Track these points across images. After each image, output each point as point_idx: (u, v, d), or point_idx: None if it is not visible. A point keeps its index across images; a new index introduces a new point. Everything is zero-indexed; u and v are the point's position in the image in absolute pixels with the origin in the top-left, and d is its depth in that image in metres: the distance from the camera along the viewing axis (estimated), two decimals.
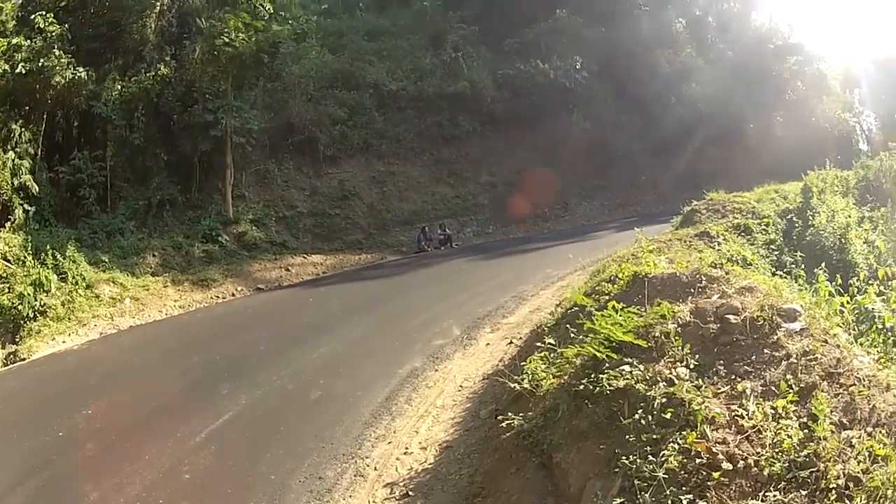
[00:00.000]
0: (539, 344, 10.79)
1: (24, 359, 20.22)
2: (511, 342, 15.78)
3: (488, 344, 16.56)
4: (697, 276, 8.91)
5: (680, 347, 7.09)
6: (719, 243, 17.09)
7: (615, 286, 10.44)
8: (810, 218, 20.19)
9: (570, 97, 47.65)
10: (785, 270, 16.63)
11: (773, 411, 5.95)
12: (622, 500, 5.59)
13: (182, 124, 32.95)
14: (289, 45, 38.24)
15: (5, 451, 12.44)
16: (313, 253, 33.28)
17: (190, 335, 21.84)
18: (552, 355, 9.72)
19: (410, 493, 9.47)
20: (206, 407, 13.49)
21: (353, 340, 18.24)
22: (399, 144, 42.31)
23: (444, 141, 43.92)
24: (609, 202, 47.48)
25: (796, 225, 20.26)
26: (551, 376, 8.89)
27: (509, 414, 8.76)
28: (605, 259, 17.34)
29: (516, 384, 9.65)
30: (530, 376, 9.50)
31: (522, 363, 10.65)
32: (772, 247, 18.98)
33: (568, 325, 10.49)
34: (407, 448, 11.00)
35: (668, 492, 5.36)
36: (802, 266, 16.50)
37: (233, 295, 27.17)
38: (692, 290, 8.59)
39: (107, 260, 26.24)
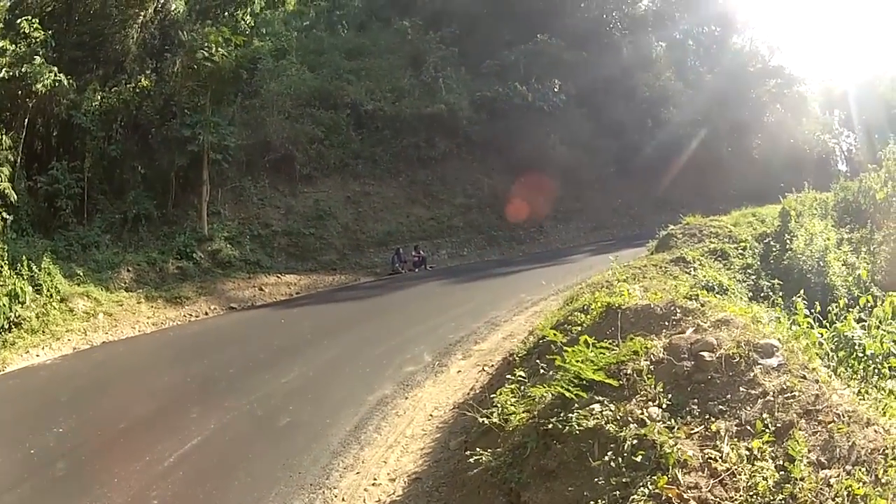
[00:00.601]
0: (510, 375, 10.73)
1: None
2: (483, 370, 15.67)
3: (459, 371, 16.50)
4: (672, 307, 8.88)
5: (652, 386, 7.02)
6: (695, 269, 17.00)
7: (588, 317, 10.49)
8: (788, 241, 20.27)
9: (548, 120, 47.96)
10: (762, 295, 16.78)
11: (748, 452, 5.84)
12: None
13: (160, 138, 33.09)
14: (268, 62, 38.44)
15: None
16: (287, 272, 33.23)
17: (162, 354, 21.77)
18: (522, 388, 9.67)
19: None
20: (175, 430, 13.43)
21: (324, 364, 18.18)
22: (375, 165, 42.28)
23: (420, 162, 43.96)
24: (585, 225, 47.87)
25: (773, 249, 20.28)
26: (521, 411, 8.68)
27: (478, 449, 8.51)
28: (579, 285, 17.53)
29: (485, 418, 9.36)
30: (500, 409, 9.30)
31: (493, 395, 10.58)
32: (749, 271, 18.93)
33: (538, 360, 10.48)
34: (375, 479, 10.89)
35: None
36: (780, 292, 16.60)
37: (206, 313, 27.09)
38: (666, 323, 8.56)
39: (81, 273, 26.10)
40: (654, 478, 5.68)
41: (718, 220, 22.63)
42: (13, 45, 26.86)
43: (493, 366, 15.48)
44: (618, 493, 5.77)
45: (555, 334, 9.98)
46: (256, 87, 37.73)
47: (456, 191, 44.40)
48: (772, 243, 20.59)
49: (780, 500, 5.28)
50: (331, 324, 24.27)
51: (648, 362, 7.39)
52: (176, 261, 29.92)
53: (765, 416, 6.23)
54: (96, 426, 14.13)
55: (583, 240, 45.32)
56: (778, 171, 47.36)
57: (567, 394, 7.40)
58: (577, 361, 7.71)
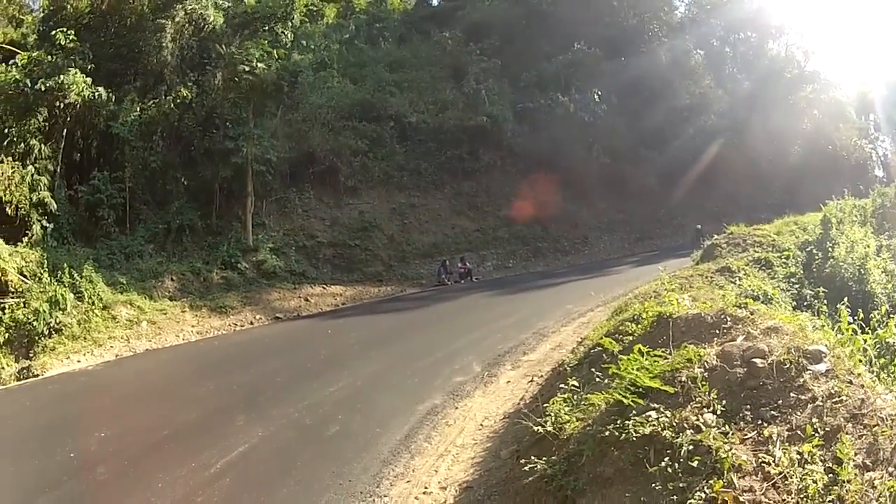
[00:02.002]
0: (562, 385, 10.40)
1: (36, 375, 19.70)
2: (532, 380, 15.28)
3: (509, 381, 16.02)
4: (722, 316, 8.69)
5: (707, 393, 6.88)
6: (740, 278, 16.67)
7: (639, 326, 10.32)
8: (830, 249, 19.82)
9: (590, 131, 47.30)
10: (805, 304, 16.42)
11: (798, 456, 5.76)
12: None
13: (202, 149, 32.56)
14: (309, 74, 38.26)
15: (15, 468, 12.06)
16: (332, 283, 32.59)
17: (207, 362, 21.25)
18: (575, 397, 9.32)
19: None
20: (221, 437, 12.93)
21: (372, 375, 17.57)
22: (420, 177, 41.75)
23: (464, 174, 43.38)
24: (628, 236, 46.93)
25: (816, 257, 19.80)
26: (575, 419, 8.49)
27: (532, 457, 8.23)
28: (627, 296, 17.32)
29: (539, 426, 9.09)
30: (553, 418, 8.98)
31: (544, 404, 10.25)
32: (792, 280, 18.48)
33: (590, 370, 10.24)
34: (426, 487, 10.49)
35: None
36: (824, 300, 16.13)
37: (251, 323, 26.60)
38: (717, 332, 8.38)
39: (124, 282, 25.73)
40: (710, 482, 5.64)
41: (762, 229, 22.25)
42: (48, 56, 26.85)
43: (542, 376, 15.09)
44: (675, 497, 5.72)
45: (610, 342, 10.01)
46: (298, 99, 37.51)
47: (500, 202, 43.62)
48: (814, 251, 20.19)
49: (829, 501, 5.31)
50: (378, 335, 23.71)
51: (702, 370, 7.26)
52: (220, 271, 29.53)
53: (814, 420, 6.18)
54: (139, 432, 13.63)
55: (626, 251, 44.55)
56: (816, 178, 46.51)
57: (625, 400, 7.29)
58: (633, 369, 7.64)
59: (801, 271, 19.15)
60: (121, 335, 22.97)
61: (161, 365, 21.12)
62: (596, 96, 47.95)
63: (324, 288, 31.79)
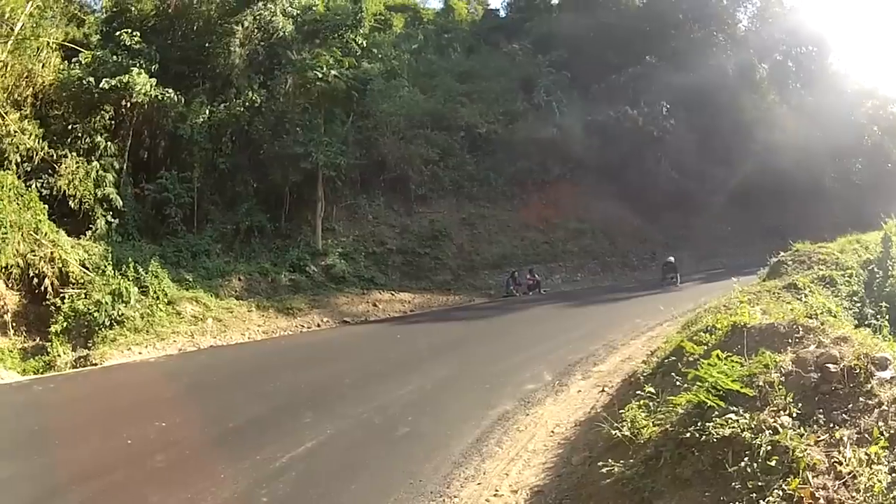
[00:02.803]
0: (637, 392, 10.22)
1: (94, 364, 19.60)
2: (603, 390, 14.64)
3: (580, 391, 15.41)
4: (794, 326, 8.82)
5: (783, 396, 6.98)
6: (805, 295, 16.34)
7: (713, 336, 10.28)
8: (890, 268, 19.46)
9: (658, 145, 46.28)
10: (866, 322, 15.68)
11: (866, 457, 5.84)
12: None
13: (272, 154, 32.26)
14: (379, 83, 37.84)
15: (67, 452, 11.57)
16: (401, 290, 31.95)
17: (273, 360, 20.95)
18: (652, 404, 9.29)
19: None
20: (287, 433, 12.45)
21: (442, 380, 17.01)
22: (490, 187, 41.17)
23: (534, 186, 42.69)
24: (694, 253, 45.43)
25: (877, 275, 19.34)
26: (652, 424, 8.49)
27: (609, 460, 8.20)
28: (697, 310, 17.33)
29: (616, 430, 8.99)
30: (629, 423, 8.92)
31: (619, 410, 9.93)
32: (854, 298, 17.79)
33: (672, 373, 10.00)
34: (497, 490, 9.92)
35: None
36: (886, 317, 16.14)
37: (318, 325, 26.14)
38: (789, 341, 8.52)
39: (191, 279, 25.65)
40: (787, 480, 5.73)
41: (826, 247, 21.87)
42: (113, 56, 26.92)
43: (613, 387, 14.59)
44: (754, 495, 5.74)
45: (691, 346, 10.13)
46: (368, 107, 37.21)
47: (569, 215, 42.97)
48: (875, 270, 19.82)
49: (892, 498, 5.38)
50: (447, 341, 23.14)
51: (779, 374, 7.41)
52: (289, 273, 29.25)
53: (880, 423, 6.31)
54: (202, 423, 13.21)
55: (692, 268, 43.11)
56: (879, 196, 44.56)
57: (708, 401, 7.40)
58: (714, 373, 7.71)
59: (863, 290, 18.65)
60: (185, 330, 22.75)
61: (226, 360, 20.80)
62: (664, 110, 46.82)
63: (392, 294, 31.23)
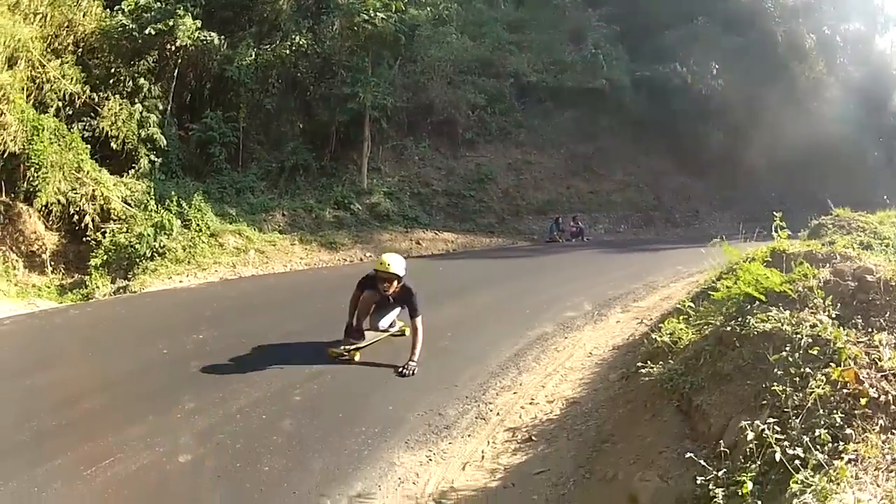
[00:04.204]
0: (678, 306, 10.86)
1: (134, 292, 19.39)
2: (641, 322, 14.46)
3: (618, 322, 15.11)
4: (832, 253, 8.98)
5: (822, 299, 7.00)
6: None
7: (754, 264, 9.60)
8: None
9: (706, 105, 45.12)
10: None
11: None
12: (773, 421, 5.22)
13: (318, 95, 32.06)
14: (427, 28, 37.66)
15: (98, 360, 11.38)
16: (444, 231, 31.77)
17: (314, 286, 20.60)
18: (692, 318, 9.40)
19: (534, 437, 8.41)
20: (324, 344, 11.78)
21: (483, 305, 16.82)
22: (537, 135, 40.63)
23: (581, 136, 41.94)
24: (738, 215, 43.67)
25: None
26: (691, 333, 8.69)
27: (648, 362, 8.57)
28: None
29: (657, 336, 9.30)
30: (669, 333, 9.12)
31: (655, 335, 9.88)
32: None
33: (711, 294, 9.73)
34: (532, 399, 9.83)
35: (816, 417, 5.09)
36: None
37: (360, 259, 25.99)
38: (828, 265, 8.40)
39: (234, 213, 25.64)
40: (828, 369, 5.61)
41: (864, 216, 21.76)
42: (157, 2, 26.96)
43: (651, 320, 14.30)
44: (797, 380, 5.69)
45: (737, 255, 10.68)
46: (416, 52, 36.99)
47: (615, 167, 42.54)
48: None
49: None
50: (489, 275, 22.96)
51: (817, 282, 7.42)
52: (333, 210, 29.10)
53: None
54: (241, 336, 12.61)
55: (735, 229, 41.71)
56: None
57: (752, 292, 7.62)
58: (756, 272, 7.97)
59: None
60: (227, 261, 22.69)
61: (267, 286, 20.56)
62: (714, 70, 45.65)
63: (435, 234, 31.05)
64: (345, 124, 31.82)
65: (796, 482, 4.30)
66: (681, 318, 9.64)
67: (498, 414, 9.23)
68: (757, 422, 5.19)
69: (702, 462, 5.15)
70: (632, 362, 10.00)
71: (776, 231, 11.39)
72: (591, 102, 42.22)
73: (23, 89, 22.03)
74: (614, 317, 15.47)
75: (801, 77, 51.40)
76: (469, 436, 8.48)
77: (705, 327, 8.32)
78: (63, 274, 21.47)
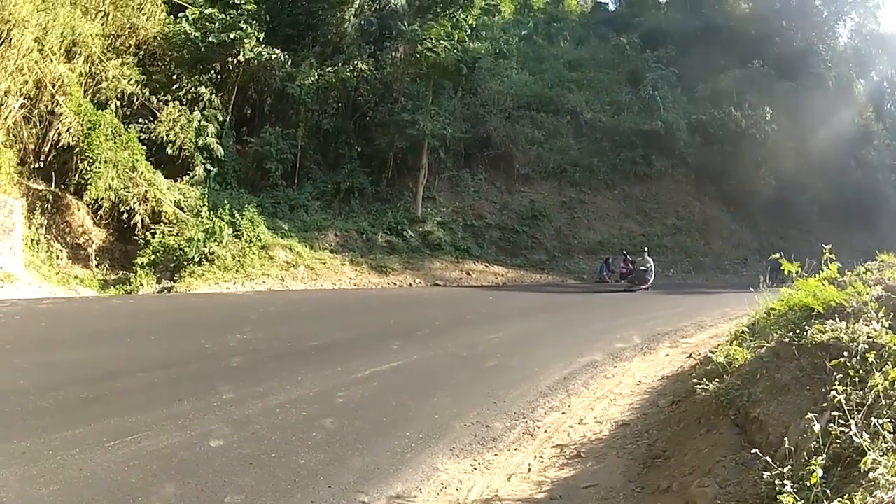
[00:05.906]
0: (733, 331, 10.96)
1: (178, 292, 19.64)
2: (690, 356, 14.18)
3: (667, 355, 15.08)
4: (881, 279, 8.96)
5: (875, 311, 6.95)
6: None
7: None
8: None
9: (759, 150, 44.13)
10: None
11: None
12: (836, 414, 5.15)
13: (377, 119, 31.92)
14: (487, 61, 37.09)
15: (136, 347, 11.49)
16: (495, 264, 31.25)
17: (363, 303, 21.17)
18: (746, 342, 9.17)
19: (582, 454, 8.32)
20: (372, 353, 12.22)
21: (533, 331, 16.98)
22: (592, 174, 39.91)
23: (636, 177, 41.34)
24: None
25: None
26: (747, 353, 8.49)
27: (704, 378, 8.44)
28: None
29: (713, 356, 9.15)
30: (725, 355, 8.87)
31: (713, 355, 9.76)
32: None
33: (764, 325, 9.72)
34: (581, 419, 9.74)
35: (878, 409, 5.15)
36: None
37: (410, 284, 26.07)
38: (880, 285, 8.59)
39: (286, 228, 25.81)
40: (885, 371, 5.57)
41: None
42: (222, 14, 26.95)
43: (700, 355, 13.70)
44: (857, 381, 5.71)
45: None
46: (476, 84, 36.72)
47: (668, 210, 41.68)
48: None
49: None
50: (539, 305, 23.07)
51: (871, 297, 7.43)
52: (385, 234, 29.10)
53: None
54: (286, 339, 13.15)
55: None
56: None
57: (811, 303, 7.82)
58: (813, 287, 8.17)
59: None
60: (276, 274, 22.82)
61: (316, 299, 20.83)
62: (768, 115, 44.54)
63: (486, 266, 30.49)
64: (403, 151, 31.59)
65: (866, 463, 4.36)
66: (735, 342, 9.53)
67: (546, 431, 9.10)
68: (821, 423, 5.13)
69: (767, 458, 5.11)
70: (682, 390, 10.05)
71: (826, 264, 10.89)
72: (647, 144, 41.62)
73: (81, 84, 22.03)
74: (663, 350, 15.51)
75: (851, 123, 50.29)
76: (516, 449, 8.34)
77: (760, 349, 8.16)
78: (107, 270, 21.48)
